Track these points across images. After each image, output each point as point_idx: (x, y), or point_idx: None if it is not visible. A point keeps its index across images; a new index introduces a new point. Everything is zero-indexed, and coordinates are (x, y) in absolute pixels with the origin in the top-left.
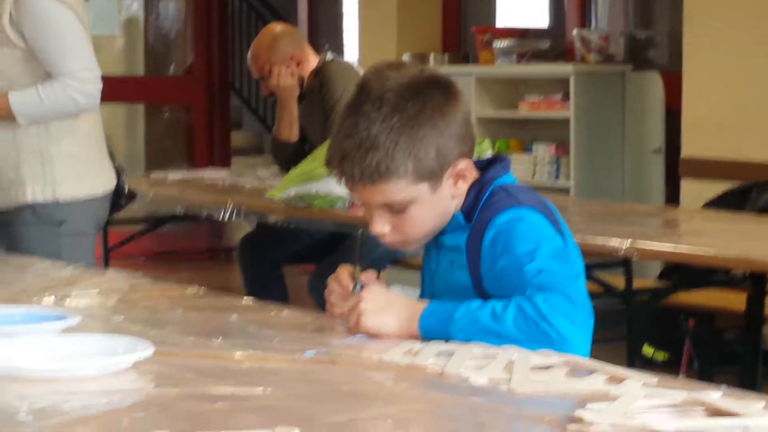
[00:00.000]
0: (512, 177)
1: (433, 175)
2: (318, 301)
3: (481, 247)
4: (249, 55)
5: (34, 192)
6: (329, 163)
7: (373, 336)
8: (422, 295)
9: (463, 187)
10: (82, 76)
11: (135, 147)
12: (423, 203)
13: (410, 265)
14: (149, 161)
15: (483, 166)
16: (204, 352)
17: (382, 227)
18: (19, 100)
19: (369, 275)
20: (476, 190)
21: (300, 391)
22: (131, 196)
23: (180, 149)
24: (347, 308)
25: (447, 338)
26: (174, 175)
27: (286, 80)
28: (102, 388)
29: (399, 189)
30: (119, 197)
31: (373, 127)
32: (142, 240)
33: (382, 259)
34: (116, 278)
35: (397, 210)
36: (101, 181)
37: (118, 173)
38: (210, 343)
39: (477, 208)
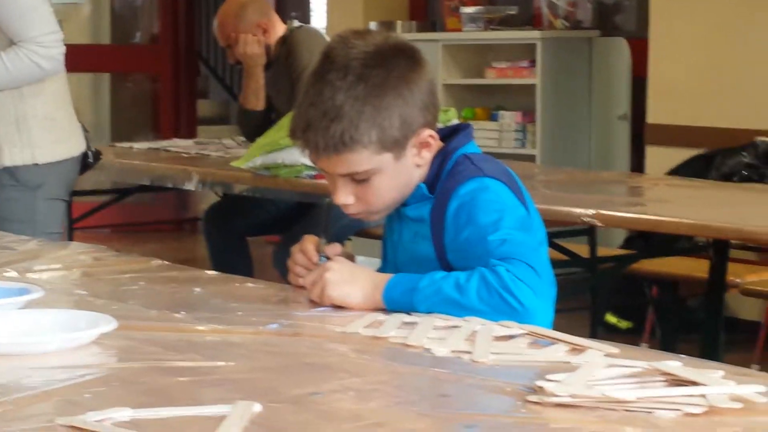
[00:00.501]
0: (476, 146)
1: (396, 145)
2: (282, 272)
3: (444, 218)
4: (215, 22)
5: (12, 155)
6: (293, 133)
7: (337, 307)
8: (384, 267)
9: (427, 156)
10: (45, 40)
11: (100, 116)
12: (386, 173)
13: (374, 235)
14: (115, 131)
15: (446, 134)
16: (167, 326)
17: (345, 197)
18: None
19: (334, 248)
20: (439, 160)
21: (263, 363)
22: (98, 155)
23: (146, 119)
24: (312, 279)
25: (411, 309)
26: (139, 145)
27: (252, 48)
28: (64, 363)
29: (363, 159)
30: (86, 157)
31: (337, 96)
32: (107, 211)
33: (347, 230)
34: (80, 251)
35: (360, 180)
36: (75, 143)
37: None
38: (173, 317)
39: (440, 179)
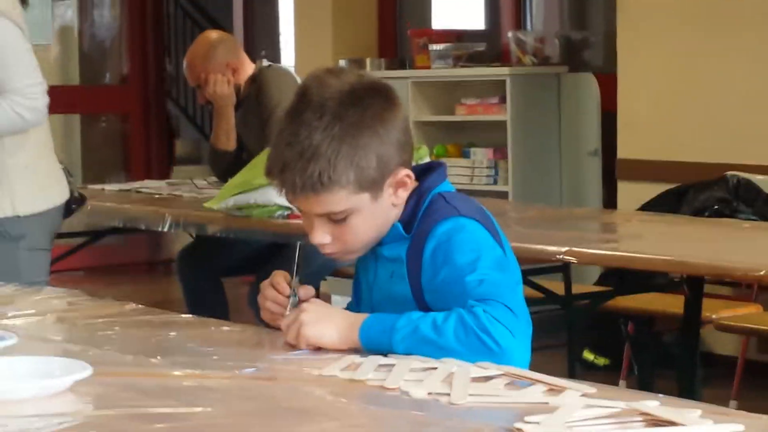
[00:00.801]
0: (449, 184)
1: (374, 184)
2: (257, 312)
3: (421, 259)
4: (185, 63)
5: None
6: (269, 172)
7: (314, 349)
8: (357, 306)
9: (403, 195)
10: (29, 92)
11: (72, 157)
12: (364, 213)
13: (349, 274)
14: (86, 172)
15: (419, 172)
16: (143, 371)
17: (322, 237)
18: None
19: (307, 290)
20: (414, 200)
21: (240, 408)
22: (81, 199)
23: (117, 159)
24: (287, 322)
25: (388, 349)
26: (111, 186)
27: (222, 88)
28: (39, 411)
29: (341, 199)
30: (69, 202)
31: (314, 136)
32: (80, 253)
33: (322, 270)
34: (54, 296)
35: (337, 220)
36: (58, 191)
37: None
38: (149, 362)
39: (416, 218)
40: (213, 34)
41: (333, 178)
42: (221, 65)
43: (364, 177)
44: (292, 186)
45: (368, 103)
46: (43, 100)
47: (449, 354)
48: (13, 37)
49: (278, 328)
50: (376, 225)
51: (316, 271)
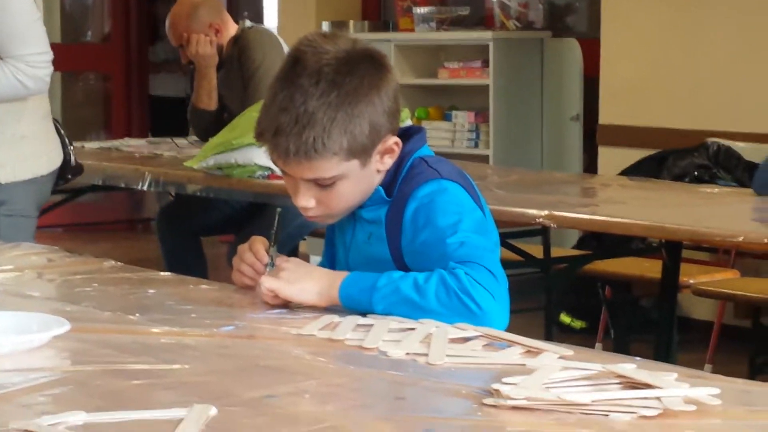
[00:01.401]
0: (429, 149)
1: (364, 151)
2: None
3: (402, 221)
4: (167, 23)
5: None
6: (260, 135)
7: (291, 308)
8: (331, 267)
9: (389, 161)
10: (33, 60)
11: (52, 115)
12: (351, 179)
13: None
14: (66, 130)
15: (399, 136)
16: (121, 328)
17: (307, 201)
18: None
19: (283, 258)
20: (396, 163)
21: (218, 366)
22: (78, 169)
23: (98, 118)
24: (265, 280)
25: (367, 307)
26: (91, 144)
27: (204, 48)
28: (17, 366)
29: (332, 165)
30: (65, 170)
31: (310, 102)
32: (59, 210)
33: (299, 232)
34: (32, 252)
35: (324, 185)
36: (47, 160)
37: (65, 145)
38: (127, 319)
39: (397, 181)
40: None
41: (327, 144)
42: (204, 25)
43: (356, 144)
44: (285, 151)
45: (364, 70)
46: (47, 70)
47: (429, 315)
48: (22, 5)
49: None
50: (361, 190)
51: (294, 232)
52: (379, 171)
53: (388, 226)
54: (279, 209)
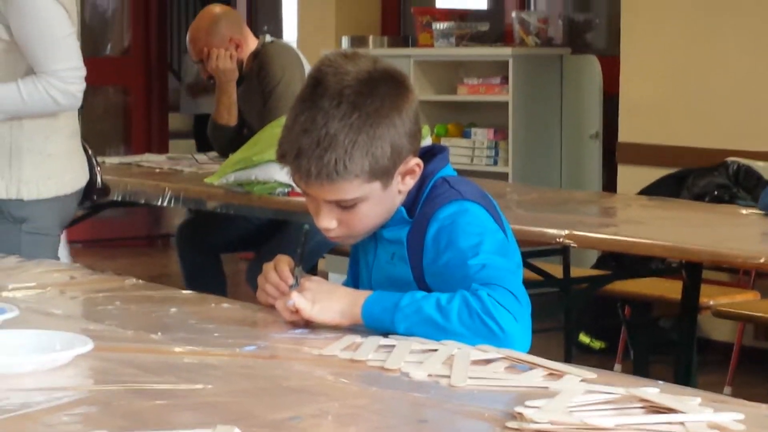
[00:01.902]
0: (452, 168)
1: (386, 173)
2: (256, 289)
3: (424, 241)
4: (188, 37)
5: None
6: (282, 157)
7: (313, 327)
8: (355, 286)
9: (411, 182)
10: (66, 75)
11: None
12: (373, 200)
13: (347, 252)
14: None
15: (421, 156)
16: (144, 347)
17: (328, 222)
18: None
19: (306, 277)
20: (418, 184)
21: (240, 387)
22: (105, 190)
23: (117, 131)
24: (287, 300)
25: (390, 327)
26: (111, 159)
27: (224, 63)
28: (40, 385)
29: (353, 187)
30: (90, 191)
31: (332, 125)
32: (78, 226)
33: (319, 248)
34: (54, 269)
35: (346, 206)
36: (71, 179)
37: (92, 165)
38: (150, 338)
39: (419, 202)
40: (216, 8)
41: (348, 167)
42: (224, 40)
43: (377, 166)
44: (307, 173)
45: (385, 92)
46: (80, 86)
47: (451, 336)
48: (58, 19)
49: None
50: (383, 212)
51: (314, 249)
52: (400, 192)
53: (409, 246)
54: (306, 226)
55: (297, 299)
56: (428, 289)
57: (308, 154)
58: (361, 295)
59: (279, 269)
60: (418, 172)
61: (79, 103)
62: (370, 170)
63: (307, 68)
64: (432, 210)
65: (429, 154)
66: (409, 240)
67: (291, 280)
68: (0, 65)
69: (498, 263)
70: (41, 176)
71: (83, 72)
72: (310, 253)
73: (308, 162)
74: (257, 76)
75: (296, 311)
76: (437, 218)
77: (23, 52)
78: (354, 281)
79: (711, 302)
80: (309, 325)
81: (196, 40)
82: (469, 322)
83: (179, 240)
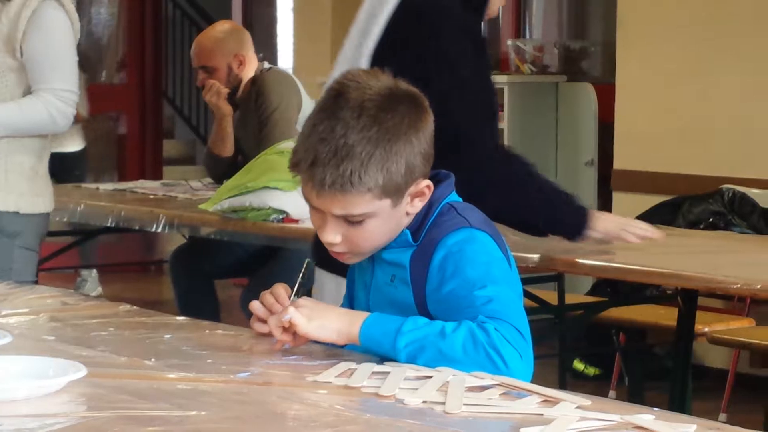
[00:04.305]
0: (457, 195)
1: (397, 192)
2: (249, 315)
3: (429, 267)
4: (194, 43)
5: None
6: (296, 166)
7: (301, 345)
8: (351, 306)
9: (419, 205)
10: (65, 96)
11: None
12: (381, 218)
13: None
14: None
15: None
16: (137, 373)
17: (333, 236)
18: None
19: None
20: (425, 208)
21: (234, 413)
22: None
23: (111, 157)
24: (279, 319)
25: (389, 350)
26: (105, 186)
27: (222, 104)
28: (33, 412)
29: (364, 202)
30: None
31: (350, 135)
32: (72, 251)
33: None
34: (47, 295)
35: (353, 222)
36: (50, 199)
37: None
38: (143, 364)
39: (425, 226)
40: (229, 24)
41: (363, 179)
42: (229, 54)
43: (390, 183)
44: (320, 182)
45: (405, 109)
46: (73, 109)
47: (453, 365)
48: (69, 42)
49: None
50: (389, 231)
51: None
52: (408, 213)
53: (413, 271)
54: (308, 260)
55: (293, 314)
56: (429, 315)
57: (324, 162)
58: (359, 316)
59: (275, 292)
60: (428, 194)
61: (69, 126)
62: (383, 186)
63: (304, 96)
64: (439, 236)
65: (434, 180)
66: (412, 264)
67: (287, 302)
68: (5, 84)
69: (505, 297)
70: (35, 192)
71: (77, 97)
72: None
73: (323, 170)
74: (255, 102)
75: (289, 328)
76: (444, 245)
77: (29, 67)
78: (350, 301)
79: (706, 329)
80: (298, 345)
81: (203, 46)
82: (474, 353)
83: (173, 266)
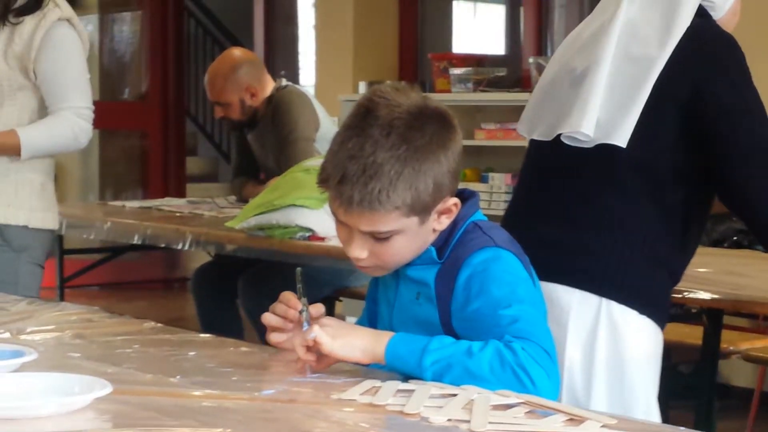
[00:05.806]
0: (482, 214)
1: (425, 209)
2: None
3: (454, 285)
4: (206, 77)
5: (5, 213)
6: (325, 182)
7: (323, 367)
8: (371, 323)
9: (446, 222)
10: (85, 114)
11: (89, 172)
12: (408, 235)
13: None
14: (103, 187)
15: None
16: (162, 390)
17: (360, 252)
18: (29, 137)
19: (317, 307)
20: (450, 226)
21: (259, 430)
22: None
23: (135, 175)
24: (304, 338)
25: (415, 368)
26: (131, 203)
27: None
28: (59, 429)
29: (391, 219)
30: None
31: (379, 154)
32: (96, 269)
33: (323, 288)
34: (72, 312)
35: (380, 238)
36: (55, 216)
37: None
38: (168, 381)
39: (450, 244)
40: (238, 53)
41: (391, 197)
42: (240, 88)
43: (418, 201)
44: (348, 199)
45: (434, 128)
46: (91, 126)
47: (480, 384)
48: (83, 60)
49: (283, 349)
50: (415, 247)
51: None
52: (434, 231)
53: (438, 288)
54: (299, 269)
55: (318, 332)
56: (453, 334)
57: (353, 180)
58: (384, 335)
59: (285, 299)
60: (455, 212)
61: (86, 143)
62: (411, 204)
63: (320, 112)
64: (464, 254)
65: (460, 198)
66: (437, 282)
67: (299, 306)
68: (13, 103)
69: (530, 316)
70: (42, 207)
71: (93, 113)
72: (313, 293)
73: (351, 188)
74: (271, 121)
75: (313, 346)
76: (470, 263)
77: (46, 88)
78: (370, 320)
79: (731, 348)
80: (320, 369)
81: (214, 83)
82: (500, 372)
83: (195, 284)
